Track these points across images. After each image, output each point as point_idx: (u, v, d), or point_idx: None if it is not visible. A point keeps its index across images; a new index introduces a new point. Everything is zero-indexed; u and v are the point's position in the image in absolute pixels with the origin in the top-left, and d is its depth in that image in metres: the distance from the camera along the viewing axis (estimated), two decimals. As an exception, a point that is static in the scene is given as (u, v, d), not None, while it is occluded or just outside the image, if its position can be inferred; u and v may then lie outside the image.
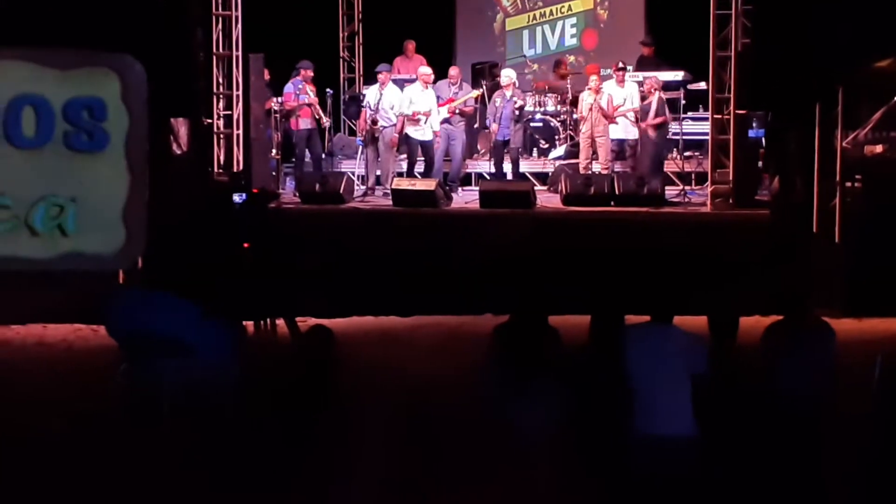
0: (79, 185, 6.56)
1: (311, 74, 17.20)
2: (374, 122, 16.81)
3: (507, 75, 17.15)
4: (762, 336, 8.29)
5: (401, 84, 17.68)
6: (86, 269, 6.58)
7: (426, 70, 17.09)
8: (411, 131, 16.83)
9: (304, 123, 17.11)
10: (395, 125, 16.84)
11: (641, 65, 18.18)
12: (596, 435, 7.91)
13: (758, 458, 7.80)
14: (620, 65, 17.11)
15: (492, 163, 17.20)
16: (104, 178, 6.58)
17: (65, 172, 6.62)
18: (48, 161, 6.59)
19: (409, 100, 16.73)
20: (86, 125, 6.60)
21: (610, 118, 16.64)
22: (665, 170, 16.89)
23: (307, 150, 17.26)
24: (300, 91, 17.04)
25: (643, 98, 16.72)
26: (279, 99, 17.25)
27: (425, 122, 16.66)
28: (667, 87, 17.30)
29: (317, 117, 17.14)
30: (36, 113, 6.56)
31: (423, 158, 17.04)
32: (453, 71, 17.54)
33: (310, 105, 17.03)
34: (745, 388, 8.20)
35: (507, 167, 17.14)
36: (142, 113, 6.48)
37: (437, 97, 16.94)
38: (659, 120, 16.52)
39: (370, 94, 17.23)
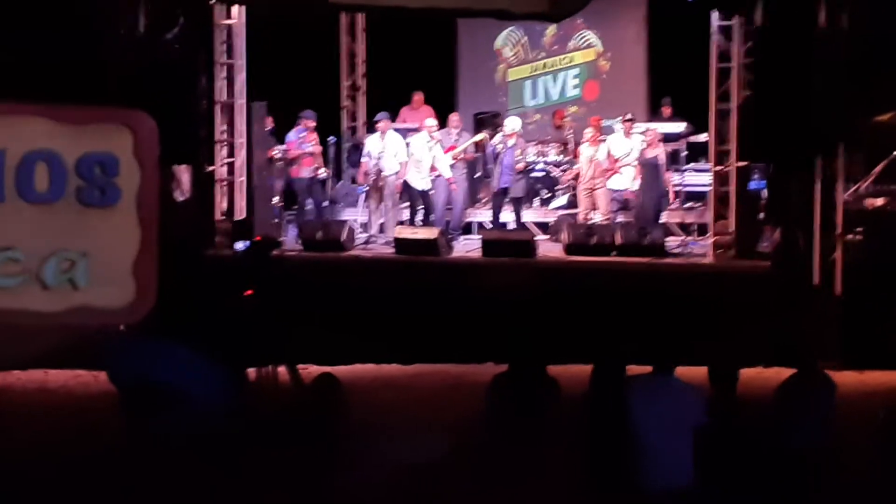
0: (90, 239, 6.62)
1: (314, 124, 17.25)
2: (380, 171, 16.86)
3: (512, 125, 17.13)
4: (775, 391, 8.29)
5: (404, 133, 17.75)
6: (96, 322, 6.65)
7: (433, 122, 17.15)
8: (412, 180, 16.89)
9: (306, 172, 17.17)
10: (397, 173, 16.92)
11: (660, 122, 18.32)
12: (596, 485, 7.90)
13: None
14: (629, 116, 17.19)
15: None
16: (115, 232, 6.64)
17: (76, 227, 6.69)
18: (60, 216, 6.65)
19: (414, 148, 16.87)
20: (98, 181, 6.66)
21: (610, 170, 16.69)
22: (667, 221, 16.93)
23: (309, 198, 17.31)
24: (303, 139, 17.10)
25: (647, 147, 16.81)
26: (282, 147, 17.32)
27: (426, 172, 16.78)
28: (669, 138, 17.39)
29: (316, 166, 17.19)
30: (49, 168, 6.63)
31: (423, 207, 17.10)
32: (454, 117, 17.59)
33: (312, 154, 17.10)
34: (746, 439, 8.19)
35: (509, 216, 17.18)
36: (153, 168, 6.55)
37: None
38: (669, 174, 16.64)
39: (371, 143, 17.26)
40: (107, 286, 6.69)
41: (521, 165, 16.86)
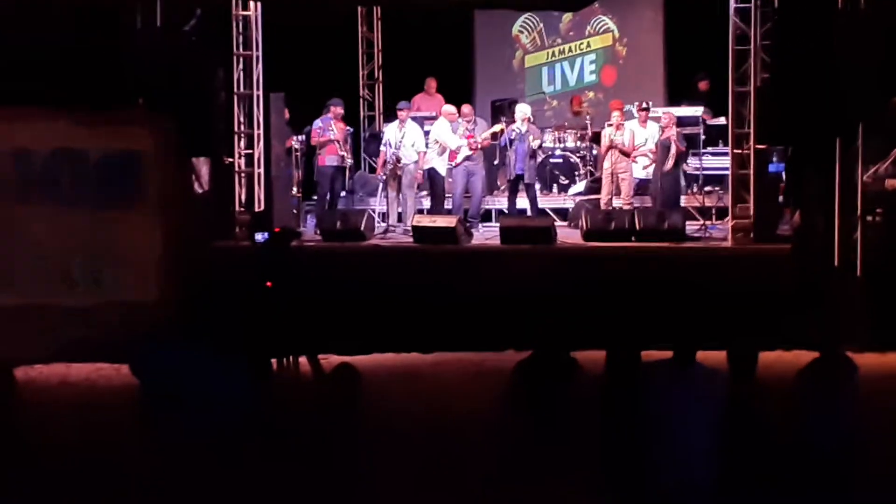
0: (115, 237, 6.73)
1: (341, 112, 17.29)
2: (398, 159, 16.88)
3: (522, 110, 17.12)
4: (796, 375, 8.28)
5: (420, 121, 17.73)
6: (122, 318, 6.77)
7: (452, 108, 17.18)
8: (438, 166, 16.91)
9: (331, 160, 17.16)
10: (416, 162, 16.94)
11: (696, 98, 18.22)
12: (616, 471, 7.90)
13: (779, 495, 7.77)
14: (644, 105, 17.15)
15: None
16: (139, 230, 6.74)
17: (101, 225, 6.79)
18: (85, 215, 6.75)
19: (437, 135, 16.89)
20: (120, 180, 6.76)
21: (629, 156, 16.67)
22: (685, 205, 16.89)
23: (330, 187, 17.27)
24: (327, 127, 17.10)
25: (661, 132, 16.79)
26: (299, 137, 17.32)
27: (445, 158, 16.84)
28: (686, 122, 17.33)
29: (341, 154, 17.17)
30: (73, 168, 6.74)
31: (450, 194, 17.15)
32: (466, 108, 17.54)
33: (335, 141, 17.07)
34: (768, 422, 8.18)
35: (524, 203, 17.18)
36: (174, 167, 6.67)
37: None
38: (674, 153, 16.60)
39: (390, 131, 17.28)
40: (132, 282, 6.78)
41: (534, 146, 16.78)
